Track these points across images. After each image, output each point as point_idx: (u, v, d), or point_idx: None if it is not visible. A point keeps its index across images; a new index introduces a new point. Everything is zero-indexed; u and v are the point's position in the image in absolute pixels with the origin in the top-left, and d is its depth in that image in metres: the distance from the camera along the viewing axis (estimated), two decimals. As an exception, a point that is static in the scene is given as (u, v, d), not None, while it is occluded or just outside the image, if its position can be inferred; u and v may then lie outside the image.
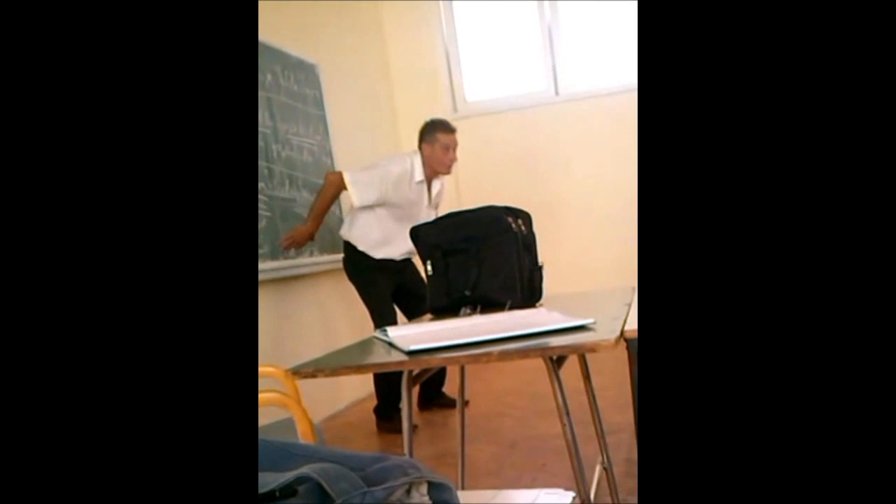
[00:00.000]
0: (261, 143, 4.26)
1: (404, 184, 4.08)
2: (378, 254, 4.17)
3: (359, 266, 4.20)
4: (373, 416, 4.33)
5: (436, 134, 4.17)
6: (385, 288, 4.21)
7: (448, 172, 4.22)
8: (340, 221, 5.01)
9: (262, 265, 4.05)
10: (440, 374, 4.50)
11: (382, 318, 4.02)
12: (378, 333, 2.09)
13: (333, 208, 4.92)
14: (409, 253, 4.23)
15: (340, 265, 4.42)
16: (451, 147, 4.17)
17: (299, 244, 4.20)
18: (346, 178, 4.05)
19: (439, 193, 4.35)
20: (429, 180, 4.20)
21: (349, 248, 4.22)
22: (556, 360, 1.71)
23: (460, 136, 5.49)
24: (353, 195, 4.07)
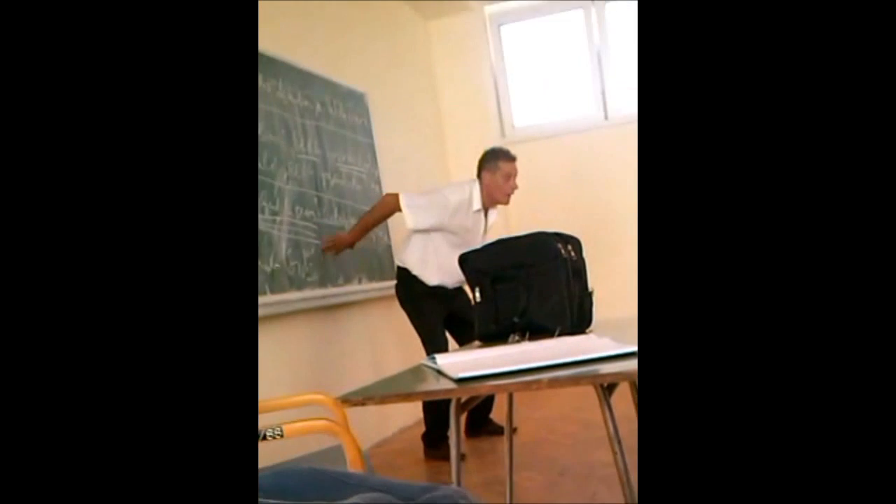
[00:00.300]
0: (310, 172, 4.30)
1: (462, 212, 4.08)
2: (432, 280, 4.17)
3: (411, 291, 4.21)
4: (420, 444, 4.32)
5: (497, 162, 4.17)
6: (437, 314, 4.21)
7: (507, 202, 4.22)
8: (388, 248, 5.03)
9: (310, 293, 4.08)
10: (488, 400, 4.48)
11: (434, 345, 4.02)
12: (427, 361, 2.09)
13: (382, 234, 4.95)
14: (462, 281, 4.24)
15: (389, 292, 4.43)
16: (513, 175, 4.18)
17: (338, 249, 4.23)
18: (403, 201, 4.06)
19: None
20: (486, 209, 4.20)
21: (402, 273, 4.24)
22: (606, 388, 1.70)
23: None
24: (408, 217, 4.08)
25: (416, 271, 4.17)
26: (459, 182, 4.28)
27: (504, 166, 4.16)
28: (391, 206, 4.14)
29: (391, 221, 5.13)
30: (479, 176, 4.21)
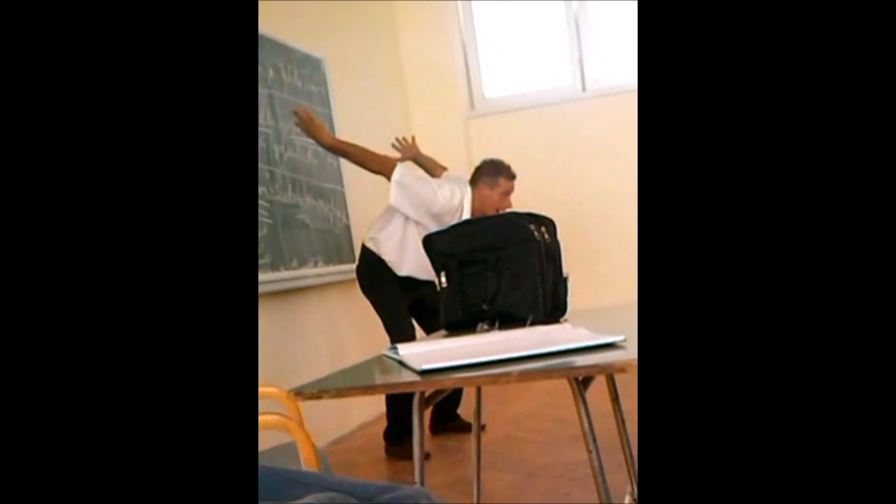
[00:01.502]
0: (262, 145, 4.28)
1: (447, 216, 4.05)
2: (403, 270, 4.16)
3: (378, 278, 4.19)
4: (382, 441, 4.33)
5: (499, 178, 4.15)
6: (403, 301, 4.20)
7: None
8: (347, 229, 5.01)
9: (262, 276, 4.06)
10: (455, 395, 4.49)
11: (401, 335, 4.01)
12: (388, 351, 2.09)
13: (340, 214, 4.93)
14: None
15: (348, 276, 4.42)
16: (510, 194, 4.18)
17: (309, 132, 4.07)
18: (395, 174, 4.00)
19: None
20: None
21: (369, 256, 4.20)
22: (581, 381, 1.71)
23: (477, 135, 5.46)
24: (392, 193, 4.03)
25: (388, 258, 4.15)
26: (457, 181, 4.23)
27: (504, 184, 4.15)
28: (384, 168, 4.05)
29: (351, 199, 5.11)
30: (472, 183, 4.19)
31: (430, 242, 2.65)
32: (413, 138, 4.66)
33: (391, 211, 4.13)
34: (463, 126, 6.34)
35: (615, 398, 2.66)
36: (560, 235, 2.63)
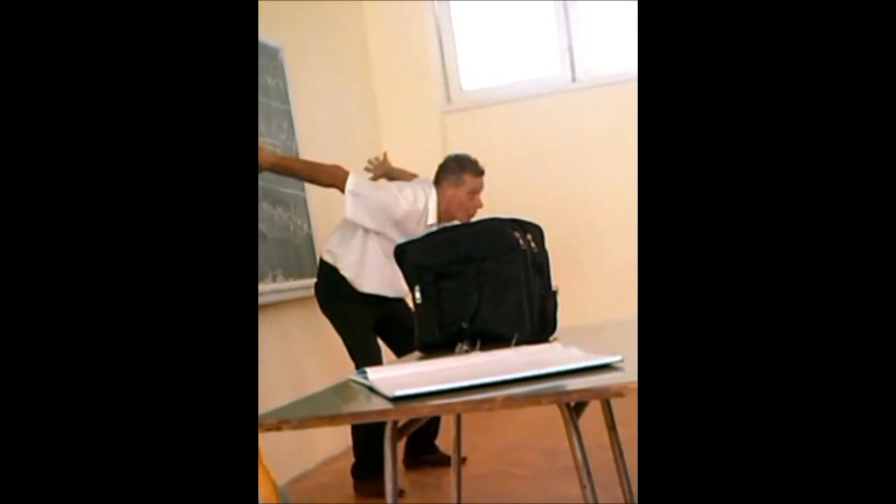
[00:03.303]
0: (211, 143, 4.26)
1: (411, 222, 4.06)
2: (365, 286, 4.16)
3: (338, 295, 4.19)
4: (350, 478, 4.32)
5: (463, 175, 4.17)
6: (368, 320, 4.20)
7: (467, 221, 4.22)
8: (309, 239, 5.01)
9: (213, 292, 4.04)
10: (432, 425, 4.49)
11: (365, 357, 4.00)
12: (356, 376, 2.09)
13: (301, 223, 4.92)
14: (405, 292, 4.22)
15: (310, 293, 4.41)
16: (478, 192, 4.19)
17: None
18: (349, 184, 4.01)
19: None
20: (440, 223, 4.19)
21: (327, 271, 4.21)
22: (574, 408, 1.72)
23: (454, 130, 5.46)
24: (348, 205, 4.05)
25: (348, 274, 4.15)
26: (418, 183, 4.25)
27: (471, 181, 4.17)
28: (335, 179, 4.07)
29: (314, 206, 5.11)
30: (436, 183, 4.21)
31: (402, 253, 2.65)
32: (385, 155, 4.69)
33: (350, 224, 4.14)
34: (438, 121, 6.34)
35: (612, 426, 2.67)
36: (548, 244, 2.64)
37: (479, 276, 2.47)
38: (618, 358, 1.74)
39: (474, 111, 6.36)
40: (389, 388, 1.73)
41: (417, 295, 2.58)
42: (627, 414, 4.51)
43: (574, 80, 6.29)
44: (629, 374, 1.62)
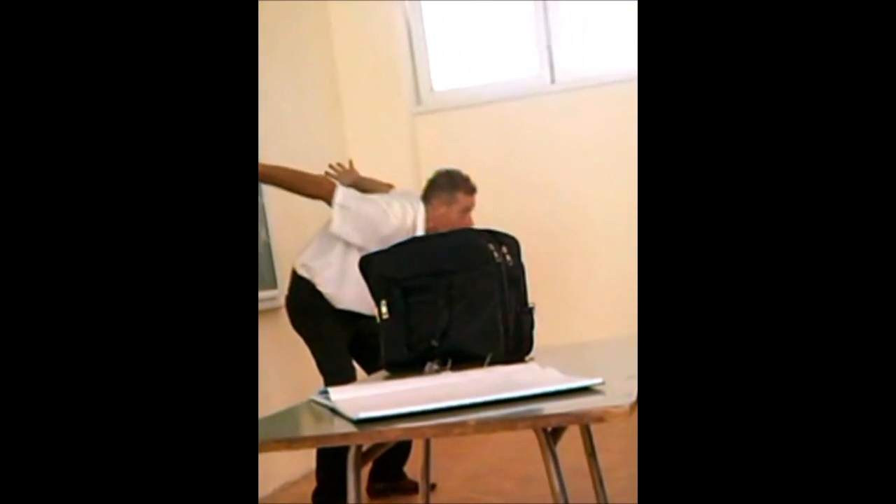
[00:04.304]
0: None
1: (398, 239, 4.04)
2: (343, 303, 4.15)
3: (312, 310, 4.18)
4: (311, 505, 4.31)
5: (456, 193, 4.19)
6: (343, 337, 4.20)
7: None
8: (267, 248, 4.99)
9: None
10: (400, 449, 4.48)
11: (340, 377, 3.98)
12: (318, 396, 2.08)
13: (259, 231, 4.91)
14: None
15: (268, 305, 4.40)
16: (470, 210, 4.20)
17: None
18: (337, 197, 4.00)
19: None
20: None
21: (301, 285, 4.20)
22: (551, 433, 1.72)
23: (425, 133, 5.44)
24: (336, 219, 4.04)
25: (326, 289, 4.14)
26: (405, 196, 4.24)
27: (463, 199, 4.19)
28: (322, 191, 4.06)
29: (273, 210, 5.09)
30: (424, 199, 4.21)
31: (368, 265, 2.65)
32: (350, 162, 4.67)
33: (330, 237, 4.13)
34: (408, 124, 6.33)
35: (591, 452, 2.67)
36: (525, 257, 2.64)
37: (451, 291, 2.47)
38: (598, 380, 1.74)
39: (446, 113, 6.35)
40: (353, 410, 1.73)
41: (384, 310, 2.58)
42: (608, 440, 4.51)
43: (553, 81, 6.30)
44: (610, 398, 1.62)
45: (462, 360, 2.37)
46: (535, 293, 2.69)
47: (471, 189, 4.23)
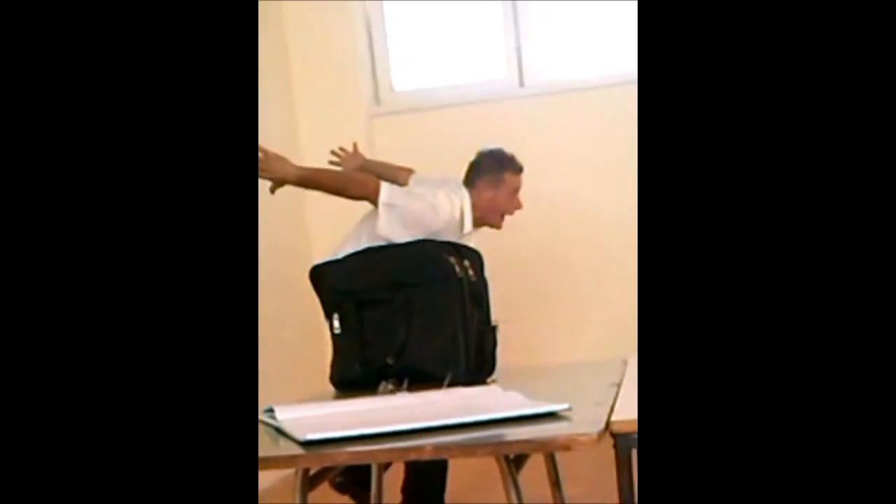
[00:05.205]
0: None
1: (449, 233, 3.94)
2: None
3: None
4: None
5: (503, 174, 4.08)
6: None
7: (500, 226, 4.16)
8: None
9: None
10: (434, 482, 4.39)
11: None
12: (263, 414, 2.07)
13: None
14: None
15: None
16: (518, 190, 4.14)
17: (272, 177, 3.85)
18: (383, 196, 3.86)
19: None
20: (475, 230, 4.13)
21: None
22: (513, 460, 1.71)
23: (383, 136, 5.40)
24: (382, 220, 3.91)
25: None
26: (446, 184, 4.16)
27: (511, 180, 4.07)
28: (367, 191, 3.95)
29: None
30: (468, 184, 4.13)
31: (318, 275, 2.63)
32: (355, 145, 4.61)
33: (371, 238, 4.01)
34: (365, 126, 6.29)
35: (556, 482, 2.67)
36: (488, 271, 2.64)
37: (409, 306, 2.46)
38: (565, 406, 1.74)
39: (407, 115, 6.33)
40: (301, 431, 1.72)
41: (336, 324, 2.56)
42: (574, 469, 4.52)
43: (522, 84, 6.30)
44: (577, 425, 1.62)
45: (419, 380, 2.36)
46: (499, 310, 2.69)
47: (518, 168, 4.13)
